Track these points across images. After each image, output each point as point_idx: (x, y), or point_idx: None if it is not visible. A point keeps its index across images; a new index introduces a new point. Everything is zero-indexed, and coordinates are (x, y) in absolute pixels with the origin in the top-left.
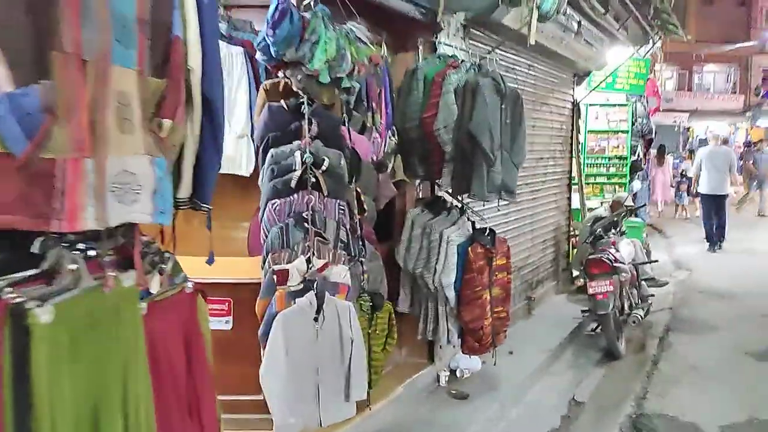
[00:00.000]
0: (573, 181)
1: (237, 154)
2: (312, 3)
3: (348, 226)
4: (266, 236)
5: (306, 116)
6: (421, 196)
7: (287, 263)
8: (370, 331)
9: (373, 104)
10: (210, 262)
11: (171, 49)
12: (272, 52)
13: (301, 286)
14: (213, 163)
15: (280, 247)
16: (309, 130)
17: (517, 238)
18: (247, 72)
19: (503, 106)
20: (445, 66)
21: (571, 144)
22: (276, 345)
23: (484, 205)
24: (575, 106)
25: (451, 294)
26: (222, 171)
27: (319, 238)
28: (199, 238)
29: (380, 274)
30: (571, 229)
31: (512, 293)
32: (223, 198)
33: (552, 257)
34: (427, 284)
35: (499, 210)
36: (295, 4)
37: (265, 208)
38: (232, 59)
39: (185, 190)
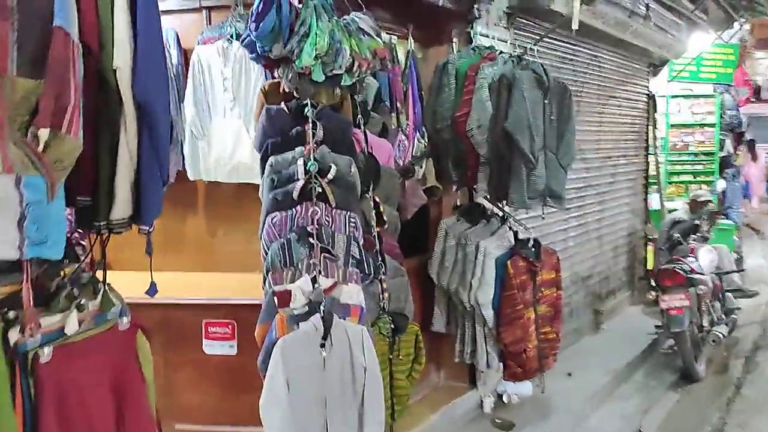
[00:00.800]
0: (651, 181)
1: (255, 162)
2: None
3: (360, 241)
4: (266, 253)
5: (310, 119)
6: (458, 204)
7: (289, 283)
8: (391, 356)
9: (398, 104)
10: (151, 293)
11: (50, 41)
12: (257, 49)
13: (306, 308)
14: (153, 179)
15: (282, 266)
16: (313, 134)
17: (580, 246)
18: (265, 73)
19: (547, 101)
20: (480, 59)
21: (647, 140)
22: (276, 375)
23: (527, 213)
24: (651, 98)
25: (488, 313)
26: (240, 180)
27: (327, 255)
28: (223, 252)
29: (404, 292)
30: (648, 233)
31: (563, 311)
32: (235, 209)
33: (626, 265)
34: (463, 302)
35: (543, 218)
36: None
37: (264, 223)
38: (249, 60)
39: (121, 210)
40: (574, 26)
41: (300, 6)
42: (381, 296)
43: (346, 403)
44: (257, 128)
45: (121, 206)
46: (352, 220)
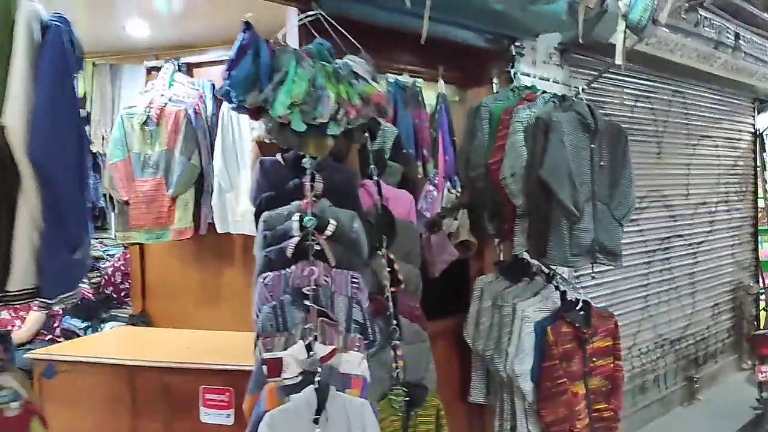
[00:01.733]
0: (761, 228)
1: None
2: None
3: (365, 304)
4: (257, 317)
5: (308, 171)
6: (500, 259)
7: (282, 350)
8: None
9: (424, 151)
10: (48, 375)
11: None
12: (233, 99)
13: (299, 378)
14: (55, 248)
15: (275, 330)
16: (312, 187)
17: (666, 304)
18: None
19: (594, 146)
20: (518, 100)
21: (756, 183)
22: None
23: (591, 270)
24: (758, 137)
25: (526, 386)
26: (240, 231)
27: (325, 319)
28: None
29: (425, 359)
30: (747, 289)
31: (623, 384)
32: (236, 262)
33: (729, 325)
34: (499, 371)
35: (593, 277)
36: (267, 40)
37: (256, 284)
38: None
39: (19, 281)
40: (618, 61)
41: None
42: (394, 365)
43: None
44: (252, 182)
45: (20, 277)
46: (355, 280)
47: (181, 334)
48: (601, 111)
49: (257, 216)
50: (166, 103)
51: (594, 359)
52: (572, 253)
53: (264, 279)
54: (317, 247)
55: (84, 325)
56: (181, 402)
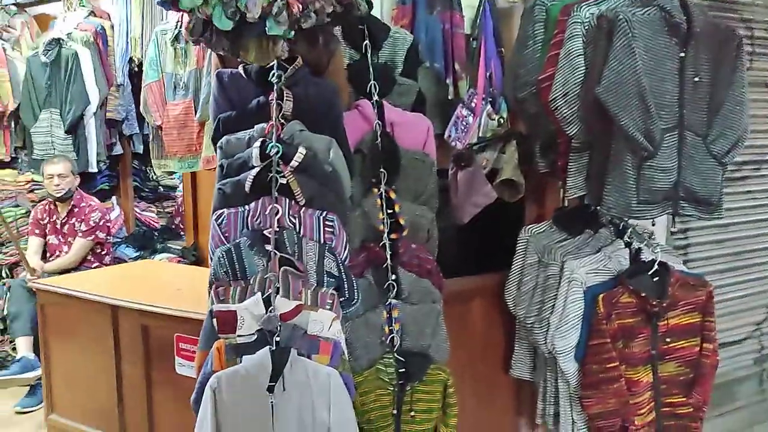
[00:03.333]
0: None
1: None
2: None
3: (343, 253)
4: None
5: (275, 87)
6: (564, 205)
7: (238, 302)
8: (396, 412)
9: (456, 66)
10: None
11: None
12: None
13: (255, 337)
14: None
15: (229, 279)
16: (279, 106)
17: None
18: None
19: (686, 54)
20: None
21: None
22: (205, 423)
23: (673, 223)
24: None
25: (568, 367)
26: None
27: (289, 269)
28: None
29: (431, 324)
30: None
31: (713, 373)
32: None
33: None
34: (539, 345)
35: (674, 233)
36: None
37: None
38: None
39: None
40: None
41: None
42: (388, 328)
43: None
44: (210, 101)
45: None
46: (329, 223)
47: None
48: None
49: (214, 142)
50: None
51: (669, 339)
52: (640, 200)
53: (219, 218)
54: (283, 181)
55: (136, 254)
56: (158, 349)
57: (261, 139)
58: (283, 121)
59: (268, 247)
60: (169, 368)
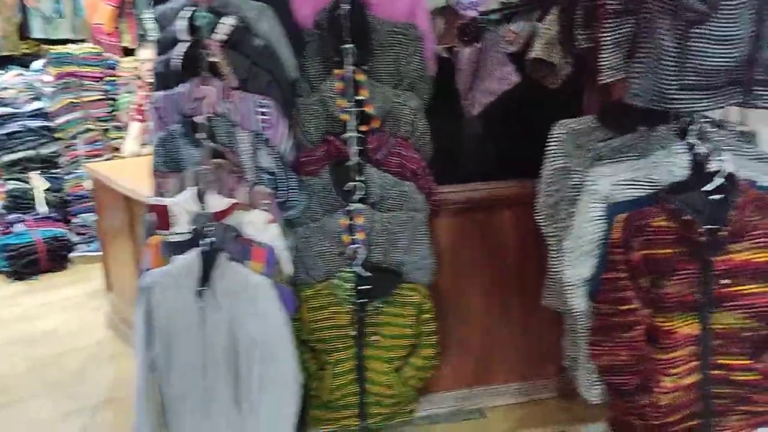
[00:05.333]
0: None
1: None
2: None
3: (281, 145)
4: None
5: None
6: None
7: (175, 196)
8: (355, 333)
9: None
10: None
11: None
12: None
13: (190, 236)
14: None
15: (167, 170)
16: None
17: None
18: None
19: None
20: None
21: None
22: (139, 322)
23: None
24: None
25: (576, 304)
26: None
27: (222, 161)
28: None
29: (409, 236)
30: None
31: None
32: None
33: None
34: (555, 272)
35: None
36: None
37: None
38: None
39: None
40: None
41: None
42: (349, 237)
43: (230, 381)
44: None
45: None
46: (264, 110)
47: None
48: None
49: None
50: None
51: (728, 281)
52: (685, 84)
53: (155, 102)
54: (214, 59)
55: None
56: None
57: (192, 8)
58: None
59: (199, 136)
60: None
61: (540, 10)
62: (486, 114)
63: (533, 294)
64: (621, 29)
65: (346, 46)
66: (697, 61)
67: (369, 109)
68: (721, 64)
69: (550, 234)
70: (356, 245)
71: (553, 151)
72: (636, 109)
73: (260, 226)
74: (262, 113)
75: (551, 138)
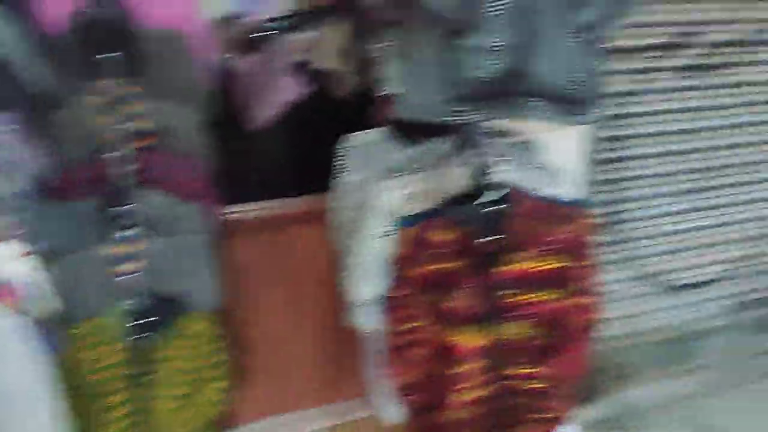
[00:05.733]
0: None
1: None
2: None
3: (27, 169)
4: None
5: None
6: None
7: None
8: (133, 372)
9: None
10: None
11: None
12: None
13: None
14: None
15: None
16: None
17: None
18: None
19: None
20: None
21: None
22: None
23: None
24: None
25: (366, 322)
26: None
27: None
28: None
29: (192, 261)
30: None
31: (582, 338)
32: None
33: None
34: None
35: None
36: None
37: None
38: None
39: None
40: None
41: None
42: (122, 267)
43: None
44: None
45: None
46: None
47: None
48: None
49: None
50: None
51: (509, 291)
52: (453, 95)
53: None
54: None
55: None
56: None
57: None
58: None
59: None
60: None
61: (326, 19)
62: (277, 128)
63: (335, 312)
64: (394, 41)
65: (109, 55)
66: (461, 73)
67: (140, 125)
68: (487, 76)
69: (344, 250)
70: (130, 275)
71: (343, 165)
72: (423, 121)
73: (7, 260)
74: None
75: (341, 151)
